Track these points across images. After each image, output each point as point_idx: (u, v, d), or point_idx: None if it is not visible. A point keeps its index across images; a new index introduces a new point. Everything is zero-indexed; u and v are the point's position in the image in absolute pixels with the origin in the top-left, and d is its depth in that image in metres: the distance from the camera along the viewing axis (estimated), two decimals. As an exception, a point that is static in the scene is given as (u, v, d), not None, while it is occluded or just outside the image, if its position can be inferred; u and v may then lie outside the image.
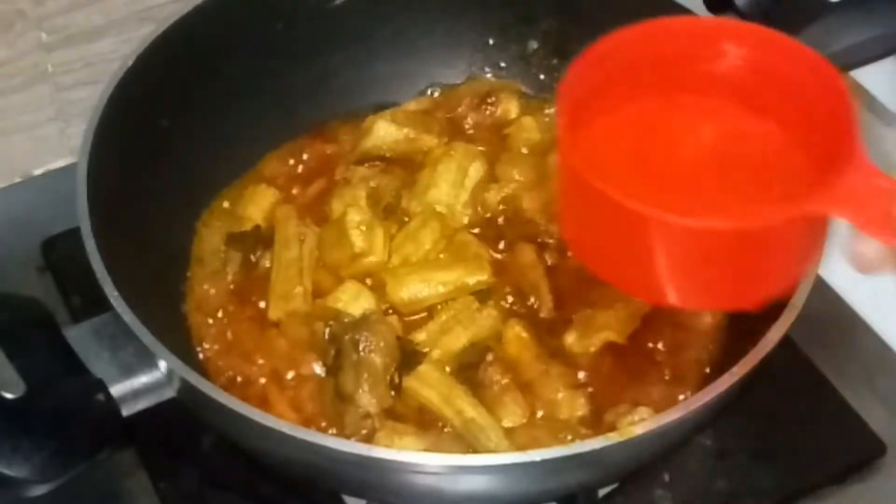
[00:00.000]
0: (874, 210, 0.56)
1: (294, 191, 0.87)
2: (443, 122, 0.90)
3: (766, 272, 0.60)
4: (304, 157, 0.90)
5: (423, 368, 0.75)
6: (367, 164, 0.87)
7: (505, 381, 0.75)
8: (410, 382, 0.74)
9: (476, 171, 0.85)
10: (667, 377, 0.77)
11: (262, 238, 0.83)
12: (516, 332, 0.77)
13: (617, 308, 0.78)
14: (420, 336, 0.77)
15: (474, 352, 0.76)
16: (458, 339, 0.77)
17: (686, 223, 0.56)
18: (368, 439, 0.72)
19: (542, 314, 0.79)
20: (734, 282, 0.60)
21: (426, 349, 0.77)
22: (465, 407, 0.73)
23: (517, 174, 0.85)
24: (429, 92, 0.94)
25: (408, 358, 0.76)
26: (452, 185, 0.84)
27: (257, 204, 0.85)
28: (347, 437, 0.72)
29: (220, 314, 0.81)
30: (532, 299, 0.79)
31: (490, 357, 0.76)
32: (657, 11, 0.64)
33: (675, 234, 0.57)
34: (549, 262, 0.81)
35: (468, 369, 0.76)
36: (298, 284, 0.79)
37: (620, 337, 0.77)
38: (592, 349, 0.77)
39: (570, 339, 0.77)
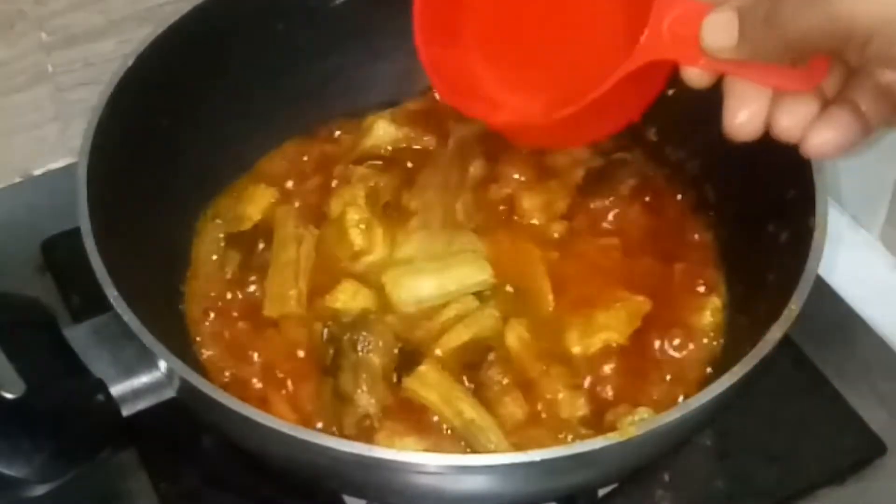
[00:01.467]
0: (686, 39, 0.57)
1: (293, 191, 0.87)
2: (443, 122, 0.90)
3: (623, 105, 0.66)
4: (304, 156, 0.90)
5: (423, 368, 0.75)
6: (366, 164, 0.87)
7: (505, 381, 0.75)
8: (410, 382, 0.74)
9: (476, 170, 0.85)
10: (667, 377, 0.77)
11: (261, 238, 0.83)
12: (517, 332, 0.77)
13: (617, 308, 0.78)
14: (420, 336, 0.77)
15: (475, 352, 0.76)
16: (459, 339, 0.77)
17: (532, 122, 0.69)
18: (368, 439, 0.72)
19: (543, 314, 0.79)
20: (605, 116, 0.68)
21: (426, 349, 0.77)
22: (465, 407, 0.73)
23: (517, 174, 0.85)
24: (429, 92, 0.94)
25: (408, 358, 0.75)
26: (452, 184, 0.84)
27: (257, 204, 0.85)
28: (347, 437, 0.72)
29: (219, 314, 0.81)
30: (532, 299, 0.79)
31: (491, 357, 0.76)
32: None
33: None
34: (550, 262, 0.81)
35: (469, 369, 0.75)
36: (293, 287, 0.79)
37: (621, 337, 0.77)
38: (593, 349, 0.77)
39: (571, 338, 0.77)
